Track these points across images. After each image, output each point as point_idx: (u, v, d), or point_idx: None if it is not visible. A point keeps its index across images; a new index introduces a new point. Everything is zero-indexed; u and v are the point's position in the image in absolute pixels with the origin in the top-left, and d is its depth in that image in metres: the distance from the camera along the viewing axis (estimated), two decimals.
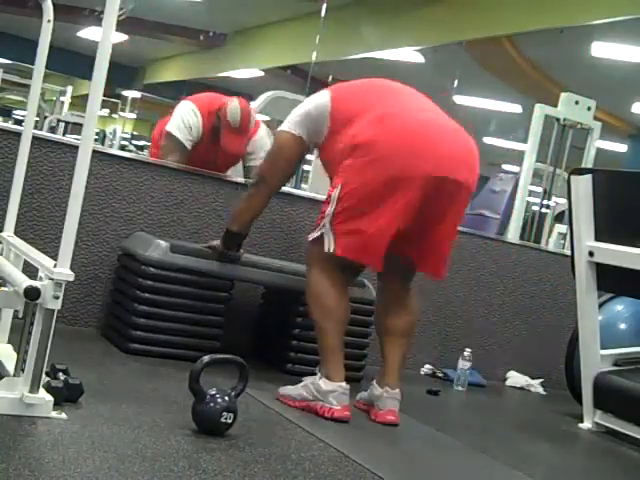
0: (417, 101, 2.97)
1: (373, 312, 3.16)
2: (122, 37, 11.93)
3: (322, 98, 2.96)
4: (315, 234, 2.82)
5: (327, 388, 2.72)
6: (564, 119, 5.94)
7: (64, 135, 9.70)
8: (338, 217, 2.75)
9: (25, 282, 2.07)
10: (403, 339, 2.95)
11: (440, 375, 4.05)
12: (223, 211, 3.63)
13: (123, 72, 15.11)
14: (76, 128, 10.23)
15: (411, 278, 3.02)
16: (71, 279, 2.06)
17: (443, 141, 2.80)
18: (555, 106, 5.95)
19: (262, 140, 4.00)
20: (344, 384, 2.74)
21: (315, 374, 2.82)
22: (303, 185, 8.12)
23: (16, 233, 2.67)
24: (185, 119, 3.80)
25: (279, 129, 3.10)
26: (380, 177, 2.69)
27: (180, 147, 3.79)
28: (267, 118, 6.15)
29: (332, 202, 2.76)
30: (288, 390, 2.83)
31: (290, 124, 3.01)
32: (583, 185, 3.45)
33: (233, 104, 3.74)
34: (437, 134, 2.81)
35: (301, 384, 2.82)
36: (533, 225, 6.55)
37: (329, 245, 2.76)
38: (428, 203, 2.72)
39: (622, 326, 4.12)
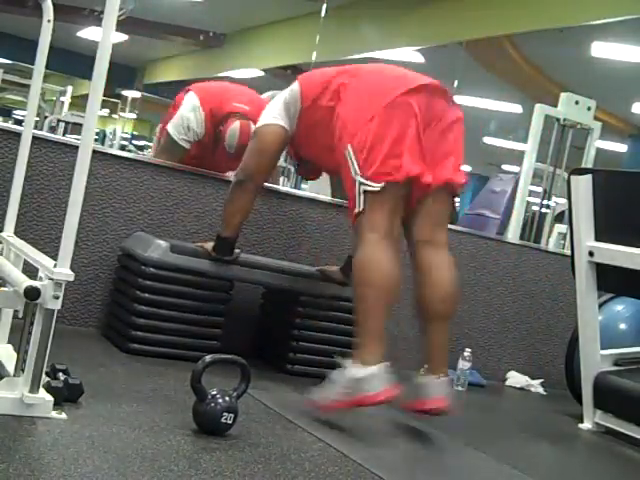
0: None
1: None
2: (122, 37, 11.94)
3: (293, 86, 3.08)
4: (360, 200, 2.71)
5: (363, 374, 2.51)
6: (564, 119, 5.94)
7: (64, 135, 9.70)
8: (367, 166, 2.69)
9: (25, 282, 2.07)
10: (445, 322, 2.79)
11: None
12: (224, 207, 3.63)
13: (123, 72, 15.12)
14: (76, 128, 10.23)
15: (443, 224, 2.87)
16: (71, 279, 2.06)
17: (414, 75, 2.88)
18: (555, 106, 5.96)
19: None
20: (382, 364, 2.54)
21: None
22: (303, 185, 8.13)
23: (16, 233, 2.68)
24: (185, 119, 3.71)
25: (258, 125, 3.13)
26: (374, 105, 2.73)
27: (176, 147, 3.74)
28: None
29: (350, 162, 2.73)
30: (319, 393, 2.61)
31: (269, 117, 3.07)
32: (583, 185, 3.45)
33: (233, 129, 3.56)
34: (405, 72, 2.91)
35: (329, 381, 2.60)
36: (533, 225, 6.56)
37: (371, 188, 2.68)
38: (425, 111, 2.75)
39: (622, 326, 4.12)
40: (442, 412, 2.70)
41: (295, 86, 3.08)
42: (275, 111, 3.08)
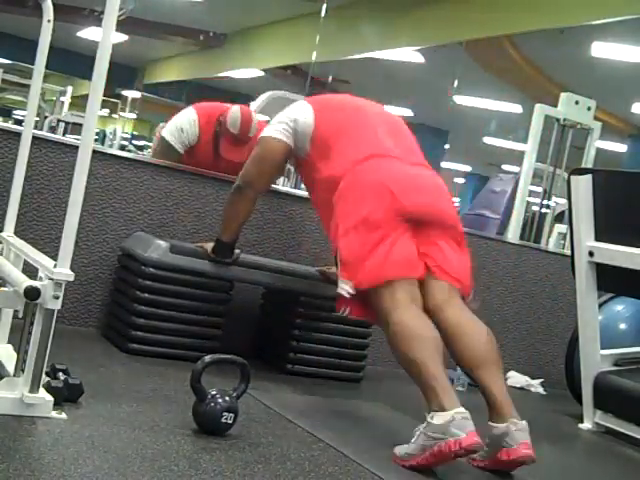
0: (390, 137, 2.95)
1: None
2: (122, 37, 11.93)
3: (307, 114, 3.00)
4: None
5: (444, 420, 2.29)
6: (564, 119, 5.94)
7: (64, 135, 9.70)
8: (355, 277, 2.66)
9: (25, 282, 2.07)
10: (495, 366, 2.60)
11: None
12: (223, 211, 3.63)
13: (123, 72, 15.12)
14: (76, 128, 10.23)
15: (454, 293, 2.71)
16: (71, 279, 2.06)
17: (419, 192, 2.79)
18: (555, 106, 5.96)
19: None
20: (461, 409, 2.32)
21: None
22: (303, 185, 8.12)
23: (16, 233, 2.67)
24: (178, 123, 3.80)
25: (263, 134, 3.10)
26: (369, 215, 2.67)
27: (171, 151, 3.78)
28: (267, 118, 6.15)
29: (339, 262, 2.73)
30: (404, 449, 2.40)
31: (276, 131, 3.03)
32: (583, 185, 3.45)
33: (234, 110, 3.69)
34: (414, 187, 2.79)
35: (414, 438, 2.38)
36: (533, 225, 6.55)
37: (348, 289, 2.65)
38: (421, 228, 2.71)
39: (622, 326, 4.12)
40: (530, 461, 2.45)
41: (309, 120, 2.98)
42: (284, 126, 3.02)
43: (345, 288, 2.67)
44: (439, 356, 2.45)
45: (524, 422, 2.46)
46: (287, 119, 3.03)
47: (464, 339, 2.61)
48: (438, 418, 2.30)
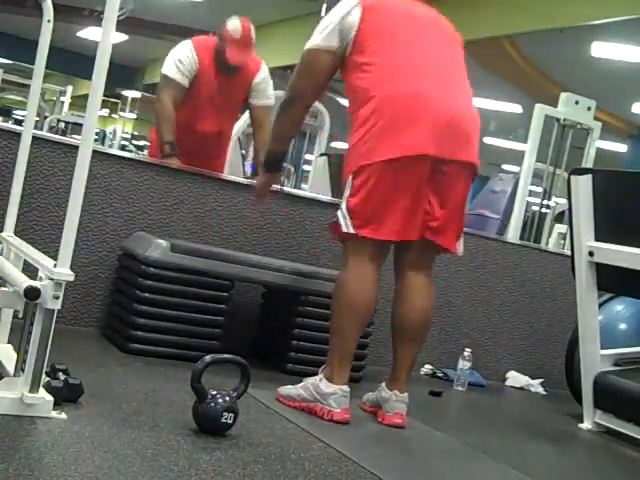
0: (439, 56, 2.94)
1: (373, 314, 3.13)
2: (122, 37, 11.94)
3: (353, 13, 2.84)
4: (335, 218, 2.79)
5: (327, 390, 2.69)
6: (564, 119, 5.94)
7: (64, 135, 9.70)
8: (355, 216, 2.73)
9: (25, 282, 2.07)
10: (415, 342, 2.89)
11: (440, 375, 4.05)
12: (223, 211, 3.64)
13: (123, 72, 15.11)
14: (76, 128, 10.23)
15: (428, 262, 2.92)
16: (71, 279, 2.06)
17: (448, 123, 2.79)
18: (555, 106, 5.96)
19: (265, 79, 4.06)
20: (345, 387, 2.71)
21: (316, 374, 2.81)
22: (303, 185, 8.13)
23: (16, 233, 2.67)
24: (175, 56, 3.82)
25: (308, 45, 2.97)
26: (383, 149, 2.69)
27: (174, 84, 3.81)
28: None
29: (347, 186, 2.77)
30: (287, 390, 2.81)
31: (321, 39, 2.91)
32: (583, 185, 3.45)
33: (232, 19, 3.79)
34: (443, 114, 2.79)
35: (301, 384, 2.79)
36: (533, 225, 6.56)
37: (347, 227, 2.74)
38: (434, 181, 2.76)
39: (622, 326, 4.12)
40: (400, 426, 2.81)
41: (356, 16, 2.82)
42: (327, 32, 2.89)
43: (348, 224, 2.74)
44: (360, 327, 2.81)
45: (405, 395, 2.83)
46: (332, 20, 2.90)
47: (402, 305, 2.88)
48: (325, 386, 2.71)
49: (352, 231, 2.74)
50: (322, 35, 2.91)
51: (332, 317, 2.82)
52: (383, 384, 2.87)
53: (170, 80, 3.82)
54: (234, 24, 3.81)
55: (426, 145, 2.71)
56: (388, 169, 2.69)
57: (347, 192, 2.76)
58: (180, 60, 3.81)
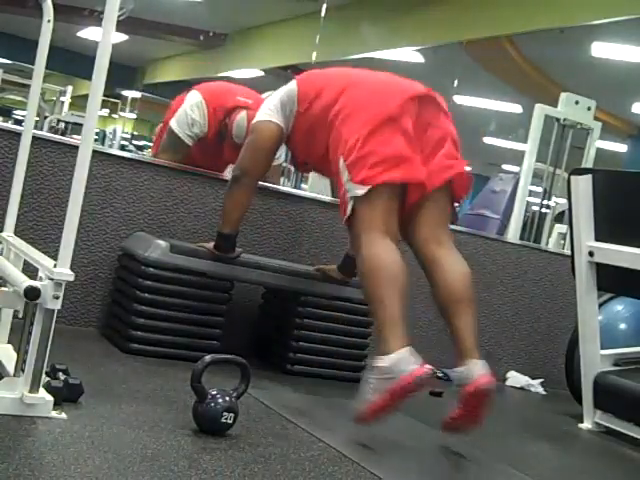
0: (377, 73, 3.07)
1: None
2: (122, 37, 11.94)
3: (290, 85, 3.10)
4: (348, 207, 2.75)
5: (391, 361, 2.42)
6: (564, 119, 5.95)
7: (64, 135, 9.70)
8: (356, 172, 2.72)
9: (25, 282, 2.07)
10: (468, 305, 2.71)
11: (440, 375, 4.05)
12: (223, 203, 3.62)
13: (123, 72, 15.12)
14: (76, 128, 10.23)
15: (441, 221, 2.84)
16: (71, 279, 2.06)
17: (405, 82, 2.94)
18: (555, 106, 5.96)
19: None
20: (406, 349, 2.44)
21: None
22: (303, 185, 8.13)
23: (16, 233, 2.67)
24: (188, 113, 3.70)
25: (255, 120, 3.15)
26: (366, 122, 2.75)
27: (179, 143, 3.72)
28: None
29: (342, 171, 2.77)
30: (357, 403, 2.50)
31: (265, 114, 3.09)
32: (583, 185, 3.45)
33: (240, 118, 3.59)
34: (397, 81, 2.96)
35: (363, 383, 2.52)
36: (533, 225, 6.56)
37: (359, 191, 2.71)
38: (417, 122, 2.79)
39: (622, 326, 4.12)
40: (490, 387, 2.56)
41: (293, 86, 3.09)
42: (271, 108, 3.09)
43: (357, 192, 2.71)
44: (400, 295, 2.56)
45: (482, 360, 2.59)
46: (273, 100, 3.11)
47: (441, 277, 2.73)
48: (384, 361, 2.43)
49: (359, 191, 2.69)
50: (266, 111, 3.10)
51: (368, 293, 2.65)
52: (455, 369, 2.64)
53: (178, 139, 3.74)
54: (239, 128, 3.58)
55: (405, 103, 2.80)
56: (380, 127, 2.74)
57: (345, 173, 2.75)
58: (192, 121, 3.71)
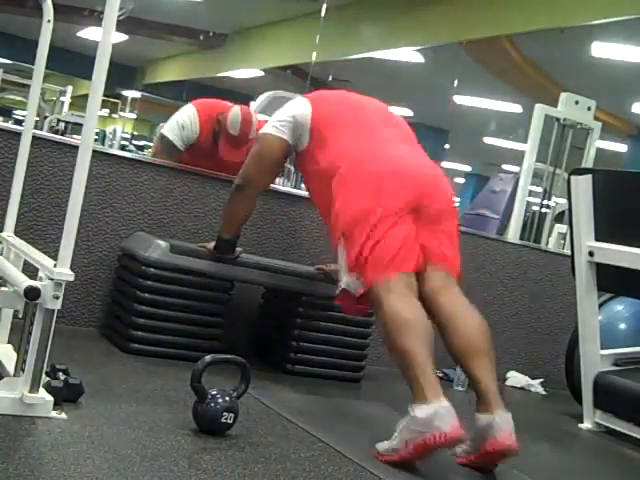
0: (388, 128, 2.97)
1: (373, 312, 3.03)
2: (122, 37, 11.94)
3: (305, 108, 3.02)
4: (340, 288, 2.70)
5: (427, 414, 2.28)
6: (564, 119, 5.94)
7: (64, 135, 9.69)
8: (354, 269, 2.64)
9: (25, 282, 2.07)
10: (486, 356, 2.55)
11: (440, 375, 4.05)
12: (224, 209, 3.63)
13: (123, 72, 15.12)
14: (76, 128, 10.23)
15: (451, 279, 2.70)
16: (71, 279, 2.06)
17: (416, 176, 2.77)
18: (555, 106, 5.96)
19: None
20: (445, 402, 2.31)
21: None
22: (303, 185, 8.12)
23: (16, 233, 2.67)
24: (179, 120, 3.80)
25: (262, 131, 3.13)
26: (369, 205, 2.65)
27: (171, 148, 3.79)
28: (267, 118, 6.14)
29: (342, 253, 2.70)
30: (386, 444, 2.38)
31: (275, 128, 3.05)
32: (583, 185, 3.45)
33: (235, 111, 3.67)
34: (410, 173, 2.77)
35: (396, 432, 2.37)
36: (533, 225, 6.56)
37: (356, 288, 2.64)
38: (420, 219, 2.68)
39: (622, 326, 4.12)
40: (513, 452, 2.46)
41: (307, 112, 3.00)
42: (283, 123, 3.03)
43: (353, 286, 2.65)
44: (428, 346, 2.42)
45: (509, 414, 2.45)
46: (285, 116, 3.05)
47: (457, 327, 2.59)
48: (421, 411, 2.28)
49: (361, 290, 2.61)
50: (276, 125, 3.04)
51: (392, 348, 2.48)
52: (477, 414, 2.49)
53: (170, 143, 3.79)
54: (234, 120, 3.64)
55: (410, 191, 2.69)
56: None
57: (343, 256, 2.68)
58: (182, 126, 3.77)
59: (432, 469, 2.40)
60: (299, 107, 3.04)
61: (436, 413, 2.27)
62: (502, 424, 2.43)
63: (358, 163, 2.78)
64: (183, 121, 3.78)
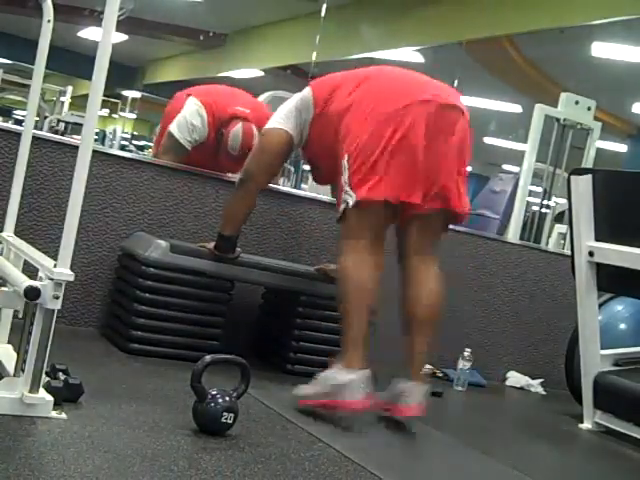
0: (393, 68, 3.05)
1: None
2: (122, 37, 11.94)
3: (304, 92, 3.09)
4: (340, 208, 2.79)
5: (343, 380, 2.62)
6: (564, 119, 5.94)
7: (64, 135, 9.69)
8: (354, 176, 2.72)
9: (25, 282, 2.07)
10: (427, 327, 2.84)
11: (440, 375, 4.05)
12: (225, 205, 3.62)
13: (123, 72, 15.11)
14: (76, 128, 10.23)
15: (431, 240, 2.89)
16: (71, 279, 2.06)
17: (425, 82, 2.89)
18: (555, 106, 5.95)
19: None
20: (365, 371, 2.64)
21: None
22: (303, 185, 8.13)
23: (16, 233, 2.67)
24: (189, 119, 3.68)
25: (266, 127, 3.14)
26: (376, 121, 2.73)
27: (178, 148, 3.72)
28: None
29: (344, 170, 2.76)
30: (304, 390, 2.74)
31: (276, 122, 3.09)
32: (583, 185, 3.45)
33: (236, 131, 3.58)
34: (417, 80, 2.91)
35: (317, 379, 2.72)
36: (533, 225, 6.56)
37: (350, 201, 2.73)
38: (430, 134, 2.73)
39: (622, 326, 4.12)
40: (417, 416, 2.76)
41: (307, 92, 3.07)
42: (283, 117, 3.08)
43: (348, 200, 2.74)
44: (367, 310, 2.72)
45: (425, 387, 2.78)
46: (288, 107, 3.09)
47: (412, 289, 2.83)
48: (341, 375, 2.61)
49: (350, 201, 2.72)
50: (279, 119, 3.08)
51: (340, 302, 2.79)
52: (397, 378, 2.80)
53: (178, 143, 3.72)
54: (235, 139, 3.58)
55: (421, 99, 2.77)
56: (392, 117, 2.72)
57: (345, 173, 2.75)
58: (192, 126, 3.70)
59: (436, 468, 2.40)
60: (299, 95, 3.10)
61: (351, 382, 2.59)
62: (415, 393, 2.74)
63: (369, 85, 2.86)
64: (193, 124, 3.66)
